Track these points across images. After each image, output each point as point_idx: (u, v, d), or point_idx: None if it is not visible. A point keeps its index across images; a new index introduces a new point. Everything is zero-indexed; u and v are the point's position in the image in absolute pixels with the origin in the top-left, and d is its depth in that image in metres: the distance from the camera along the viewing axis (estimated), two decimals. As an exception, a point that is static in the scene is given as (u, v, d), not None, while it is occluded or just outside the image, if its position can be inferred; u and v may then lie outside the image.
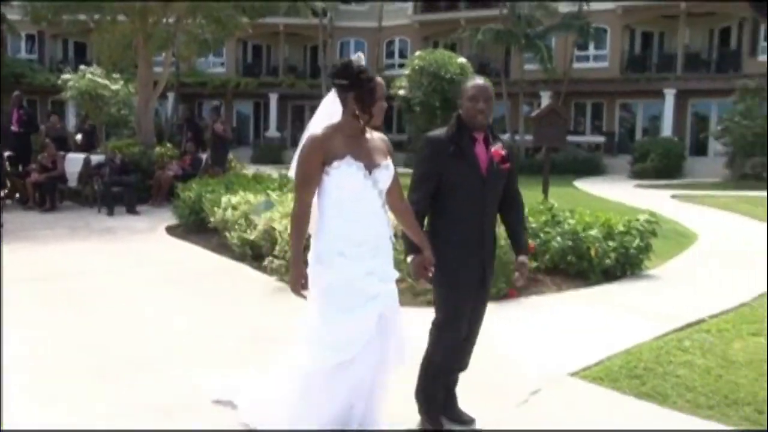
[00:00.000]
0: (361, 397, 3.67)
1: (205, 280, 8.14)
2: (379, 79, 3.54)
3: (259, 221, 8.72)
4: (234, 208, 9.64)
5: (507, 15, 28.60)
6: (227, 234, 9.33)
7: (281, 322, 5.76)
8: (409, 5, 35.44)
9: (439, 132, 3.95)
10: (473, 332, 4.03)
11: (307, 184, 3.52)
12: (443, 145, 3.82)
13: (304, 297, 3.56)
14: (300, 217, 3.55)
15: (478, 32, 27.88)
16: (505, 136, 28.67)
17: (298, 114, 37.01)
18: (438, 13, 34.73)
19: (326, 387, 3.53)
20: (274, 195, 9.85)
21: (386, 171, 3.60)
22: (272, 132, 36.09)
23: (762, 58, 28.63)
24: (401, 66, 28.88)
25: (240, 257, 8.98)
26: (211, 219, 10.17)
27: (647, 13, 31.28)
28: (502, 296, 6.84)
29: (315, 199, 3.57)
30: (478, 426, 4.13)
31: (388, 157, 3.68)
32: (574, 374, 5.03)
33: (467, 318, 3.88)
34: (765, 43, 29.21)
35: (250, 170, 16.24)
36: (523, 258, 4.01)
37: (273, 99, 36.10)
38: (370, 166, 3.54)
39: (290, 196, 9.90)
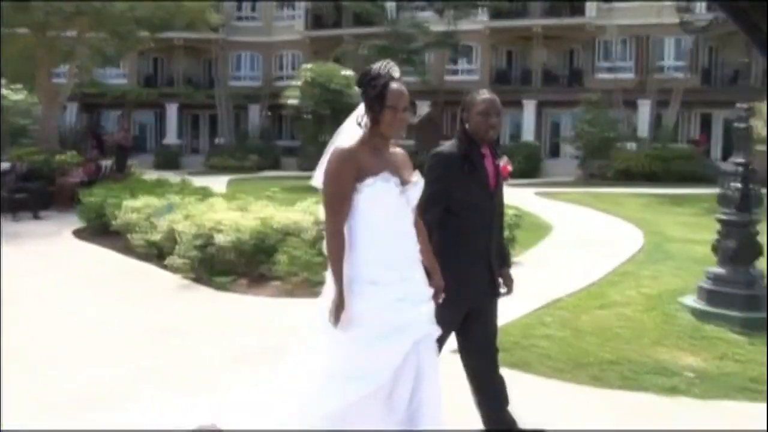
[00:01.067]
0: (400, 422, 3.08)
1: (114, 279, 7.93)
2: (397, 86, 3.02)
3: (162, 223, 8.57)
4: (137, 211, 9.42)
5: (388, 32, 29.11)
6: (129, 236, 9.12)
7: (188, 315, 5.73)
8: (300, 22, 35.38)
9: (448, 148, 3.56)
10: (490, 344, 3.74)
11: (342, 200, 2.95)
12: (454, 162, 3.44)
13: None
14: (338, 237, 2.95)
15: (362, 47, 28.26)
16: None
17: (194, 122, 36.78)
18: (326, 30, 34.80)
19: (355, 421, 2.94)
20: (176, 198, 9.71)
21: (417, 188, 3.10)
22: (171, 139, 35.17)
23: (599, 75, 30.47)
24: (291, 78, 28.83)
25: (145, 257, 8.79)
26: (113, 222, 9.90)
27: (509, 34, 32.53)
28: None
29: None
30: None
31: (417, 173, 3.18)
32: (454, 351, 5.24)
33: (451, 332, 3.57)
34: (602, 64, 31.08)
35: (152, 175, 15.83)
36: (507, 270, 3.74)
37: (172, 108, 35.17)
38: (403, 182, 3.05)
39: (190, 199, 9.81)
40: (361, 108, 3.07)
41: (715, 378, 4.77)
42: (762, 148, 16.39)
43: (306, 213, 8.23)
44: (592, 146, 25.76)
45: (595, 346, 5.32)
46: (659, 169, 24.24)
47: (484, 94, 3.53)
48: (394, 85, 3.00)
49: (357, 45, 29.01)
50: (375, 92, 2.99)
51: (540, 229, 11.71)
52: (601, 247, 10.14)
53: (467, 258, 3.45)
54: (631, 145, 26.49)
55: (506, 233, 8.43)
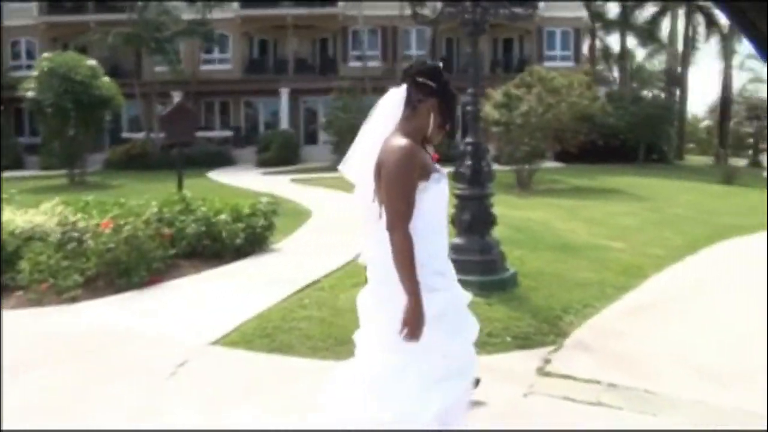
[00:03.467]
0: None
1: None
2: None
3: None
4: None
5: (135, 19, 27.46)
6: None
7: None
8: (33, 5, 32.05)
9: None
10: None
11: (413, 203, 2.65)
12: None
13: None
14: (411, 244, 2.62)
15: (108, 35, 26.41)
16: (141, 135, 27.30)
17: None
18: (65, 15, 31.92)
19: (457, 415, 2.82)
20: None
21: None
22: None
23: (351, 64, 31.61)
24: (29, 68, 26.11)
25: None
26: None
27: (261, 22, 32.40)
28: (145, 284, 6.72)
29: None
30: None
31: None
32: (214, 342, 5.18)
33: None
34: (354, 53, 32.25)
35: None
36: None
37: None
38: None
39: None
40: (401, 95, 2.79)
41: (455, 339, 5.22)
42: (497, 129, 18.18)
43: (51, 215, 7.57)
44: (345, 132, 26.63)
45: (354, 323, 5.49)
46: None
47: None
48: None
49: (103, 33, 27.07)
50: (450, 98, 2.81)
51: (299, 215, 11.90)
52: (356, 228, 10.58)
53: None
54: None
55: (263, 221, 8.52)
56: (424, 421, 2.67)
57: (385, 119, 2.78)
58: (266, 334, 5.30)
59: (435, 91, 2.79)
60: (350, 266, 7.72)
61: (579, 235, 10.69)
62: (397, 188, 2.64)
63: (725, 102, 35.99)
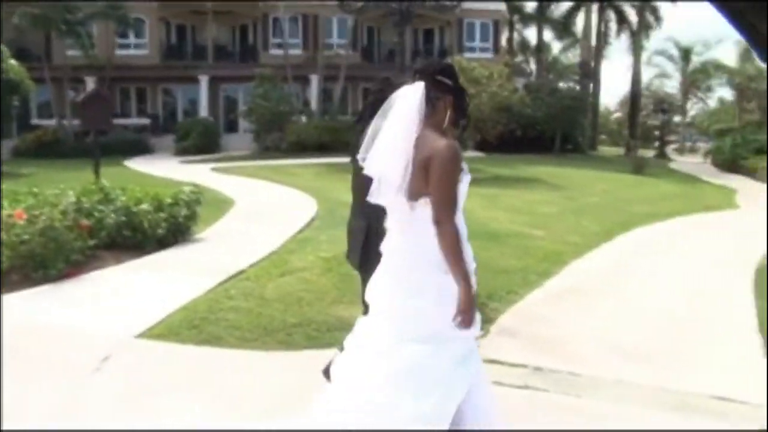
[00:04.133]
0: None
1: None
2: None
3: None
4: None
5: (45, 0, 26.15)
6: None
7: None
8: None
9: None
10: None
11: (457, 198, 2.79)
12: None
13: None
14: (460, 234, 2.77)
15: (13, 15, 25.05)
16: (52, 122, 26.03)
17: None
18: (-38, -6, 30.15)
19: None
20: None
21: None
22: None
23: (272, 51, 31.19)
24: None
25: None
26: None
27: (179, 8, 31.48)
28: (63, 276, 6.43)
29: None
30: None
31: None
32: (140, 335, 5.01)
33: None
34: (275, 40, 31.84)
35: None
36: None
37: None
38: None
39: None
40: (421, 90, 2.83)
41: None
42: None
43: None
44: (266, 120, 26.33)
45: (281, 312, 5.49)
46: (329, 140, 25.66)
47: None
48: None
49: (7, 13, 25.63)
50: (463, 94, 2.95)
51: (221, 204, 11.67)
52: (281, 216, 10.47)
53: None
54: (304, 119, 27.65)
55: (185, 210, 8.31)
56: (458, 402, 2.76)
57: (409, 117, 2.82)
58: (193, 326, 5.18)
59: (451, 89, 2.91)
60: (275, 255, 7.65)
61: (501, 224, 10.92)
62: (449, 183, 2.76)
63: (635, 95, 37.43)
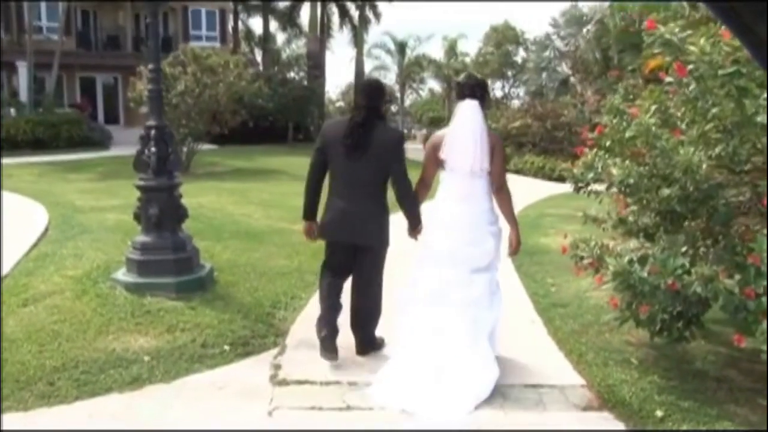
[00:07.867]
0: None
1: None
2: None
3: None
4: None
5: None
6: None
7: None
8: None
9: None
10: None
11: None
12: None
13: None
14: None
15: None
16: None
17: None
18: None
19: None
20: None
21: None
22: None
23: None
24: None
25: None
26: None
27: None
28: None
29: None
30: None
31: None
32: None
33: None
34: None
35: None
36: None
37: None
38: None
39: None
40: (475, 105, 4.26)
41: (170, 354, 4.50)
42: (145, 110, 16.81)
43: None
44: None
45: (34, 355, 4.39)
46: (46, 135, 22.73)
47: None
48: None
49: None
50: (488, 97, 4.72)
51: None
52: (5, 230, 8.77)
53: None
54: (13, 111, 24.14)
55: None
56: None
57: (480, 118, 4.22)
58: None
59: (484, 99, 4.35)
60: (10, 279, 6.28)
61: (257, 220, 10.43)
62: (504, 161, 4.36)
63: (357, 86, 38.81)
